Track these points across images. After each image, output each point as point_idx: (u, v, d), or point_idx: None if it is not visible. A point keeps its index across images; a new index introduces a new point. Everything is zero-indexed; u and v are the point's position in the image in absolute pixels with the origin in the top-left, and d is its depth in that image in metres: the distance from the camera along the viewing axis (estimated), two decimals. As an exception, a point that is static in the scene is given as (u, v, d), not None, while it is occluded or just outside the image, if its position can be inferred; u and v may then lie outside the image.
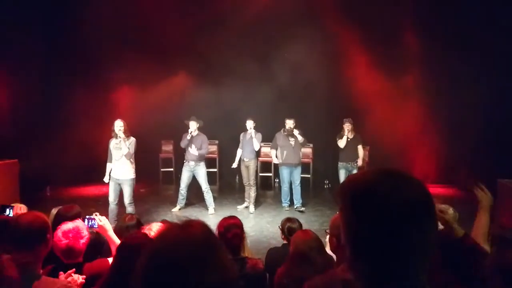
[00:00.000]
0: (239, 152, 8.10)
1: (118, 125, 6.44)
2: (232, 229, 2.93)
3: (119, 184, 6.56)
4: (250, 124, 7.86)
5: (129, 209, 6.50)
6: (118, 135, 6.42)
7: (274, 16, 9.23)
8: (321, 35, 9.11)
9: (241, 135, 8.09)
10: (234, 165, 8.19)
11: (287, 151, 7.92)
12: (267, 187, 10.15)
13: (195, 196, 8.44)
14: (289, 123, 7.85)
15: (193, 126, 7.59)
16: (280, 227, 3.83)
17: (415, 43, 9.28)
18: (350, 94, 9.33)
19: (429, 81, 9.28)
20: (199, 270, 0.95)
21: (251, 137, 7.85)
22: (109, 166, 6.64)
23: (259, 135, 7.92)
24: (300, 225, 3.78)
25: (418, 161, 9.44)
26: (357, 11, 8.95)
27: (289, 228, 3.68)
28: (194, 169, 7.70)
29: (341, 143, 7.99)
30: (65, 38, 9.09)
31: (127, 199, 6.56)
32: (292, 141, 7.88)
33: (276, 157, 8.18)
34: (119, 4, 8.98)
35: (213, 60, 9.73)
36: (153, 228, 2.87)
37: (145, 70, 9.34)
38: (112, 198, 6.55)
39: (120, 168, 6.51)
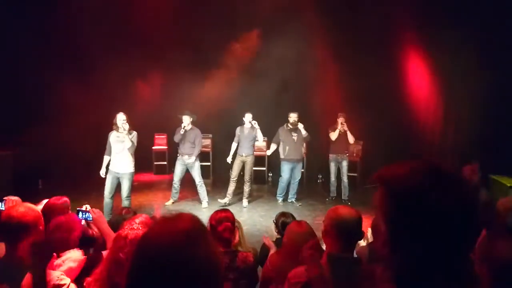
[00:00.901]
0: (234, 146, 7.96)
1: (121, 118, 6.33)
2: (223, 222, 2.94)
3: (118, 178, 6.48)
4: (248, 117, 7.77)
5: (126, 202, 6.46)
6: (123, 128, 6.28)
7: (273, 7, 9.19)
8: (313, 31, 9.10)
9: (238, 129, 7.92)
10: (229, 159, 8.05)
11: (289, 146, 7.85)
12: (261, 181, 10.17)
13: (188, 190, 8.46)
14: (293, 117, 7.80)
15: (186, 120, 7.59)
16: (275, 221, 3.84)
17: (408, 36, 9.28)
18: (343, 89, 9.34)
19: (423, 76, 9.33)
20: (186, 262, 0.98)
21: (250, 131, 7.75)
22: (106, 159, 6.55)
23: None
24: (294, 219, 3.78)
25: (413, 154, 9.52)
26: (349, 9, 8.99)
27: (283, 222, 3.70)
28: (188, 163, 7.69)
29: (333, 135, 8.09)
30: (58, 31, 9.00)
31: (125, 192, 6.49)
32: (294, 136, 7.84)
33: (280, 151, 8.08)
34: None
35: (207, 53, 9.69)
36: (137, 221, 2.87)
37: (138, 63, 9.29)
38: (108, 191, 6.48)
39: (121, 162, 6.42)
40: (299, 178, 8.15)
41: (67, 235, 2.58)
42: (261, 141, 7.98)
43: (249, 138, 7.80)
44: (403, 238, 0.95)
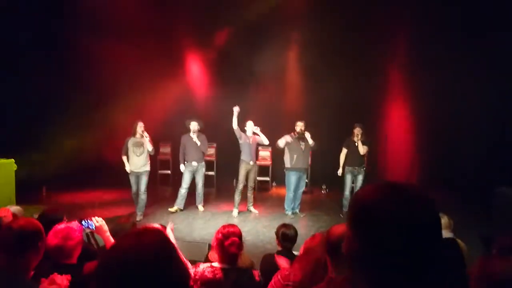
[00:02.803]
0: (238, 130, 7.76)
1: (141, 126, 7.37)
2: (231, 236, 2.90)
3: (138, 176, 7.40)
4: (250, 125, 7.81)
5: (143, 196, 7.44)
6: (144, 135, 7.30)
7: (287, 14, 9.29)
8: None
9: (243, 135, 7.84)
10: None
11: (297, 154, 7.73)
12: (265, 191, 10.11)
13: (191, 197, 8.40)
14: (300, 125, 7.72)
15: (194, 127, 7.80)
16: (276, 232, 3.80)
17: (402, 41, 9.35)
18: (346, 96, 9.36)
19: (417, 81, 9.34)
20: (154, 279, 0.98)
21: (254, 139, 7.79)
22: (125, 159, 7.41)
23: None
24: (296, 231, 3.75)
25: (404, 164, 9.51)
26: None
27: (283, 234, 3.65)
28: (198, 169, 7.94)
29: (361, 149, 7.73)
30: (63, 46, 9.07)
31: (143, 187, 7.43)
32: (302, 145, 7.72)
33: (285, 160, 7.89)
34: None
35: (212, 61, 9.74)
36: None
37: (143, 71, 9.33)
38: (134, 189, 7.45)
39: (141, 162, 7.38)
40: (303, 188, 8.08)
41: (62, 242, 2.56)
42: (266, 144, 7.95)
43: (254, 146, 7.87)
44: (360, 259, 0.97)
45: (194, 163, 7.90)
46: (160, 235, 1.07)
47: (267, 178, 10.26)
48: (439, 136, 8.86)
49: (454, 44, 8.31)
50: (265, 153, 10.01)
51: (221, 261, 2.80)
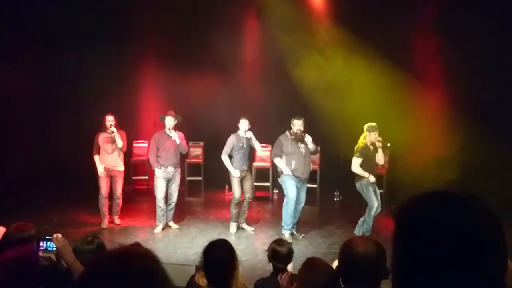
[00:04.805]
0: (227, 159, 7.59)
1: (110, 120, 7.63)
2: (218, 254, 2.85)
3: (111, 177, 7.80)
4: (244, 124, 7.56)
5: (118, 201, 7.91)
6: (110, 129, 7.61)
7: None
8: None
9: (234, 138, 7.57)
10: (237, 174, 7.57)
11: (296, 160, 7.32)
12: (264, 199, 10.05)
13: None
14: (297, 125, 7.27)
15: (169, 122, 7.60)
16: (265, 249, 3.86)
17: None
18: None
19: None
20: None
21: (247, 141, 7.55)
22: (97, 158, 7.76)
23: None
24: (289, 249, 3.74)
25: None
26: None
27: (274, 250, 3.67)
28: (173, 176, 7.73)
29: (382, 158, 7.33)
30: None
31: (119, 190, 7.87)
32: (302, 147, 7.34)
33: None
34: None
35: (196, 50, 9.81)
36: None
37: (122, 66, 9.62)
38: (103, 191, 7.76)
39: (112, 160, 7.77)
40: (303, 203, 7.60)
41: (17, 273, 2.54)
42: (260, 152, 7.77)
43: (248, 149, 7.67)
44: (406, 268, 1.02)
45: (171, 169, 7.67)
46: (144, 256, 1.15)
47: (267, 184, 10.16)
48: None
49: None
50: (264, 153, 9.89)
51: None
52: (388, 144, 7.32)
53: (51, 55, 9.44)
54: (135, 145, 10.45)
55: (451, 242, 0.96)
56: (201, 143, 10.42)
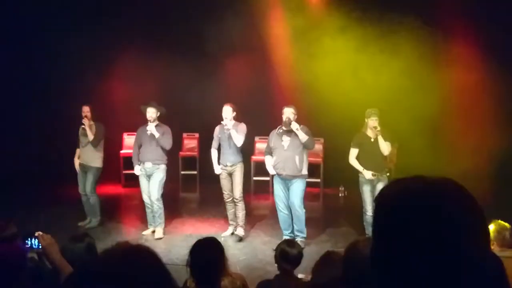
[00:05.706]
0: (214, 153, 7.58)
1: (85, 110, 7.78)
2: (206, 254, 2.94)
3: (84, 172, 7.90)
4: (227, 112, 7.22)
5: (91, 199, 7.89)
6: (84, 122, 7.71)
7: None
8: None
9: (217, 129, 7.51)
10: (218, 171, 7.52)
11: (276, 155, 7.05)
12: (264, 194, 10.11)
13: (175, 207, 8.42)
14: (287, 113, 6.95)
15: (151, 114, 7.36)
16: (274, 249, 3.82)
17: None
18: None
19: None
20: None
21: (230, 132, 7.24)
22: (77, 152, 7.99)
23: (242, 126, 7.33)
24: (300, 252, 3.76)
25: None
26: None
27: (282, 251, 3.65)
28: (152, 172, 7.45)
29: (384, 148, 6.92)
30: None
31: (89, 186, 7.86)
32: (286, 141, 7.00)
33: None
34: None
35: (188, 34, 9.85)
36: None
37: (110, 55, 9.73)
38: (81, 187, 7.94)
39: (85, 154, 7.88)
40: (299, 203, 7.04)
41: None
42: (239, 145, 7.24)
43: (233, 141, 7.29)
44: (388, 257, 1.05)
45: (148, 164, 7.43)
46: (154, 256, 1.23)
47: (267, 178, 10.21)
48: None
49: None
50: (262, 145, 9.93)
51: None
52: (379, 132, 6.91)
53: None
54: (125, 137, 10.56)
55: (423, 223, 1.00)
56: (196, 135, 10.48)
